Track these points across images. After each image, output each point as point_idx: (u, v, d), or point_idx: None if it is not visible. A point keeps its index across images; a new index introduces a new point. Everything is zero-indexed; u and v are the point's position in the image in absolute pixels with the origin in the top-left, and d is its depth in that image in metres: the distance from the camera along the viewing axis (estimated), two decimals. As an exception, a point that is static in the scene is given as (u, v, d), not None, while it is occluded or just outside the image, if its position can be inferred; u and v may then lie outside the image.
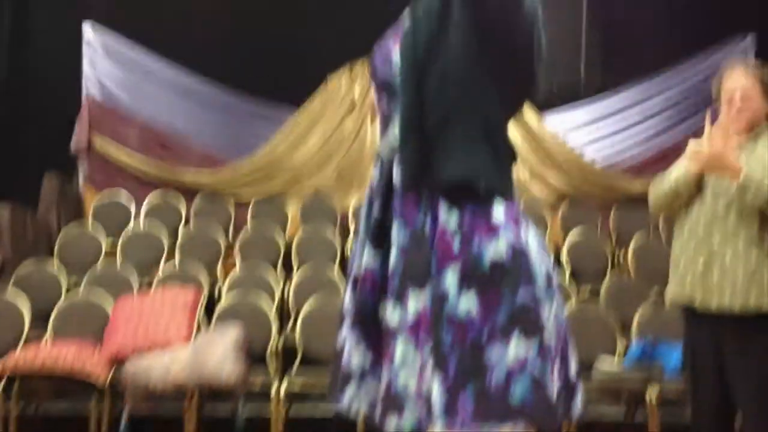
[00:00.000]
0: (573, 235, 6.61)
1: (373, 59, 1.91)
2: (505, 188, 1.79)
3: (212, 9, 7.62)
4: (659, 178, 3.16)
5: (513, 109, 1.86)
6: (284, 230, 6.91)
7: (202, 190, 7.30)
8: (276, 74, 7.50)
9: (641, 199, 6.44)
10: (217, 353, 4.47)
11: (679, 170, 3.05)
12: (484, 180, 1.75)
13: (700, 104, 7.15)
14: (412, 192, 1.78)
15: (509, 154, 1.83)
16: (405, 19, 1.87)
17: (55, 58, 7.37)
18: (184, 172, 7.34)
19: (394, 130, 1.82)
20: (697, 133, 2.98)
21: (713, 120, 2.95)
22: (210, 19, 7.62)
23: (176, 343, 4.66)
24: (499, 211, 1.76)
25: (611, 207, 7.25)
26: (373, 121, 7.26)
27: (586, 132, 7.75)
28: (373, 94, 1.96)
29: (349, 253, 6.24)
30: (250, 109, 7.66)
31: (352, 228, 6.79)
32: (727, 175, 2.87)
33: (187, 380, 4.44)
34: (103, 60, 7.43)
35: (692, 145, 2.95)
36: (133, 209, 7.05)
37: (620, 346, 4.91)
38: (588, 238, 6.62)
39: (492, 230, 1.74)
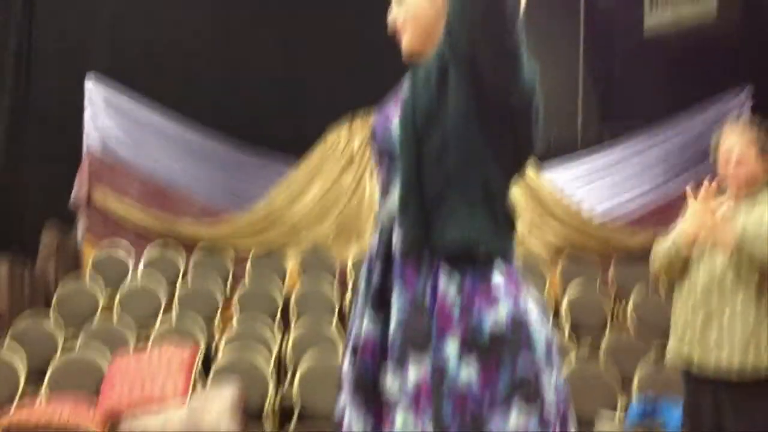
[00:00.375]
0: (572, 290, 6.59)
1: (373, 125, 1.92)
2: (505, 253, 1.79)
3: (212, 63, 7.71)
4: (660, 239, 3.17)
5: (512, 173, 1.87)
6: (283, 284, 6.88)
7: (201, 243, 7.30)
8: (276, 128, 7.57)
9: (640, 254, 6.48)
10: (214, 411, 4.43)
11: (676, 236, 3.06)
12: (483, 246, 1.75)
13: (698, 156, 7.18)
14: (412, 258, 1.77)
15: (509, 219, 1.83)
16: (404, 85, 1.88)
17: (56, 111, 7.42)
18: (183, 225, 7.34)
19: (394, 196, 1.82)
20: (701, 180, 2.98)
21: (711, 179, 2.97)
22: (210, 73, 7.69)
23: (172, 401, 4.62)
24: (498, 278, 1.75)
25: (610, 261, 7.24)
26: (371, 175, 7.28)
27: (584, 185, 7.77)
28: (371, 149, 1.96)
29: (348, 307, 6.22)
30: (250, 163, 7.70)
31: (350, 282, 6.76)
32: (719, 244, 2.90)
33: (183, 439, 4.40)
34: (104, 113, 7.46)
35: (688, 206, 2.96)
36: (131, 263, 7.03)
37: (621, 404, 4.86)
38: (587, 292, 6.59)
39: (492, 298, 1.73)
